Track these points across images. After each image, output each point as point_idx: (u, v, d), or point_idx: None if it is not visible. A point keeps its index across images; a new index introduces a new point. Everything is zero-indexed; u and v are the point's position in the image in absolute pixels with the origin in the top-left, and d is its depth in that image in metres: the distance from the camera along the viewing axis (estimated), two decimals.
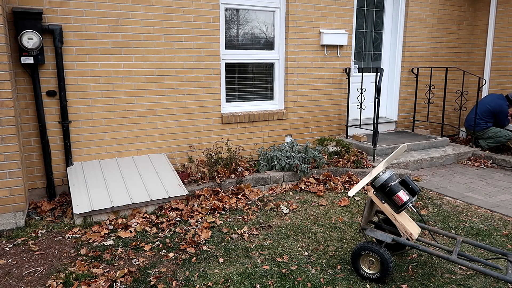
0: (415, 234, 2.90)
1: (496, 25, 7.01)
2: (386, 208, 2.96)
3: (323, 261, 3.21)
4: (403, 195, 2.88)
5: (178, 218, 3.98)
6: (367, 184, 4.92)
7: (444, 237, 3.65)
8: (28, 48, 3.99)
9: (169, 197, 4.24)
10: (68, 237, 3.59)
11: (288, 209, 4.28)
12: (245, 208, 4.31)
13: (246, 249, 3.41)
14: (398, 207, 2.90)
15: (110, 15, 4.51)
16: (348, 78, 6.18)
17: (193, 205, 4.23)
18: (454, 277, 2.99)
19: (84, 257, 3.23)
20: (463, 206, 4.40)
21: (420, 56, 6.90)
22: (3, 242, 3.49)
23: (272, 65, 5.86)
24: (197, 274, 3.01)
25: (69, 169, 4.45)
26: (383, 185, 2.91)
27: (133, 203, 4.05)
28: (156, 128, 4.98)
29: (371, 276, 2.90)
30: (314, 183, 5.03)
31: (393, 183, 2.90)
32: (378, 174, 2.95)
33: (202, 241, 3.53)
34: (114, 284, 2.86)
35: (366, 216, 3.06)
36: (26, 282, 2.89)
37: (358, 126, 6.11)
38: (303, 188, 4.93)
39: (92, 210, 3.87)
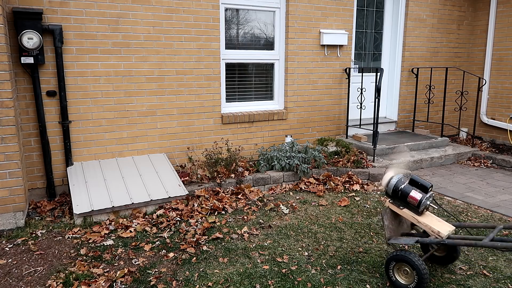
0: (444, 232, 2.76)
1: (496, 25, 7.01)
2: (406, 213, 2.89)
3: (323, 261, 3.21)
4: (415, 194, 2.81)
5: (178, 218, 3.98)
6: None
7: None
8: (28, 48, 3.99)
9: (169, 197, 4.24)
10: (68, 237, 3.59)
11: (288, 209, 4.28)
12: (245, 208, 4.31)
13: (246, 249, 3.41)
14: (416, 207, 2.82)
15: (110, 15, 4.51)
16: (348, 78, 6.18)
17: (193, 205, 4.23)
18: (454, 277, 2.99)
19: (84, 257, 3.23)
20: (463, 206, 4.40)
21: (420, 56, 6.90)
22: (3, 242, 3.49)
23: (272, 65, 5.86)
24: (197, 274, 3.01)
25: (69, 169, 4.45)
26: (394, 190, 2.88)
27: (133, 203, 4.05)
28: (156, 128, 4.98)
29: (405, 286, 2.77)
30: (314, 183, 5.03)
31: (403, 185, 2.86)
32: (388, 181, 2.93)
33: (202, 241, 3.53)
34: (114, 284, 2.86)
35: (390, 227, 2.95)
36: (26, 282, 2.89)
37: (358, 126, 6.11)
38: (303, 188, 4.93)
39: (92, 210, 3.87)
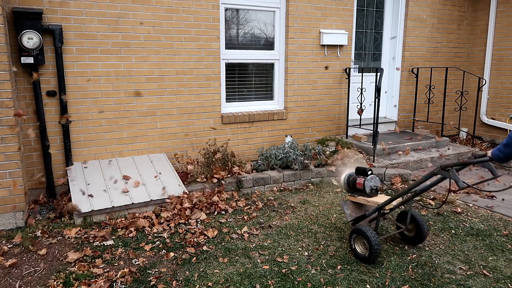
0: (381, 200, 3.28)
1: (496, 25, 7.01)
2: (360, 198, 3.39)
3: (323, 261, 3.21)
4: (359, 180, 3.33)
5: (178, 218, 3.98)
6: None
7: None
8: (28, 48, 3.99)
9: (169, 197, 4.23)
10: (68, 237, 3.59)
11: (288, 209, 4.28)
12: (245, 208, 4.31)
13: (246, 249, 3.41)
14: (364, 191, 3.30)
15: (110, 15, 4.51)
16: (348, 78, 6.18)
17: (193, 205, 4.22)
18: (454, 277, 2.99)
19: (84, 257, 3.23)
20: (462, 206, 4.40)
21: (420, 56, 6.90)
22: (3, 242, 3.49)
23: (272, 65, 5.86)
24: (197, 274, 3.01)
25: (69, 169, 4.45)
26: (348, 184, 3.45)
27: (133, 203, 4.05)
28: (156, 128, 4.98)
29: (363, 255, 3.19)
30: (314, 183, 5.03)
31: (352, 177, 3.41)
32: (342, 180, 3.55)
33: (202, 241, 3.53)
34: (114, 284, 2.86)
35: (353, 215, 3.49)
36: (26, 282, 2.89)
37: (358, 126, 6.11)
38: (303, 187, 4.92)
39: (92, 210, 3.87)
